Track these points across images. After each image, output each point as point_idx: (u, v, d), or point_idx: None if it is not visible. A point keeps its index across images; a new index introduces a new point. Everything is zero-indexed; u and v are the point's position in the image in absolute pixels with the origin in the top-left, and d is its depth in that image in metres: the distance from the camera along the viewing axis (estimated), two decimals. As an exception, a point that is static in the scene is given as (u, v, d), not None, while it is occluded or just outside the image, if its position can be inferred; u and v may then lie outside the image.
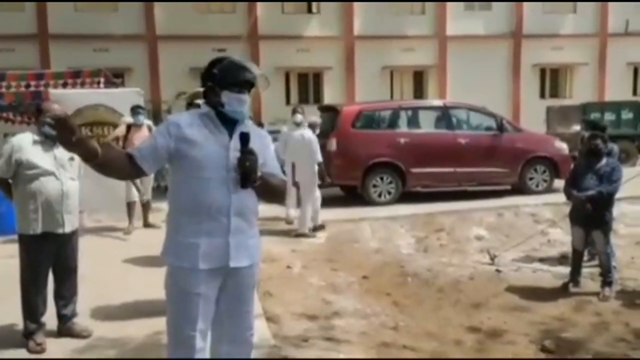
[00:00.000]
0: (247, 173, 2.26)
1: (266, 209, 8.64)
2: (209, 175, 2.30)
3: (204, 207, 2.30)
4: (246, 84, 2.39)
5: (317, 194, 7.70)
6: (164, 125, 2.39)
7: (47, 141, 3.70)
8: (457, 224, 8.07)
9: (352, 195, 9.84)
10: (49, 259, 3.78)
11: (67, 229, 3.74)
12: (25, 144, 3.68)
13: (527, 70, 21.37)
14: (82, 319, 4.02)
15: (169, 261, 2.38)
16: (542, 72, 21.75)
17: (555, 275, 6.01)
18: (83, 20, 17.05)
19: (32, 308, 3.73)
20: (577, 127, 13.86)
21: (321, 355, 3.76)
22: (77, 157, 3.81)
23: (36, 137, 3.72)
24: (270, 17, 19.05)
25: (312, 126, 7.95)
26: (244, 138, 2.28)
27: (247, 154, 2.26)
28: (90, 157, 2.17)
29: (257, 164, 2.29)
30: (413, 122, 10.13)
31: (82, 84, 9.44)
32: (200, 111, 2.45)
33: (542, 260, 6.62)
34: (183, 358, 2.34)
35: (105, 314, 4.32)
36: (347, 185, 9.86)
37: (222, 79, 2.36)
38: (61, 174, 3.70)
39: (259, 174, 2.29)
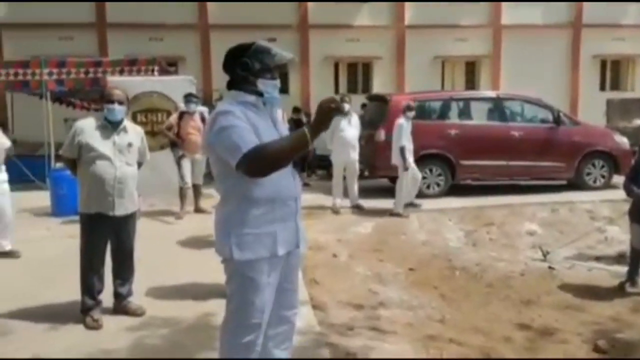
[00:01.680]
0: (305, 156, 2.34)
1: (313, 198, 8.72)
2: None
3: (278, 195, 2.34)
4: (277, 69, 2.41)
5: (411, 175, 8.05)
6: (236, 116, 2.26)
7: (108, 126, 3.85)
8: (508, 219, 7.88)
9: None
10: (104, 239, 3.94)
11: (119, 212, 3.87)
12: (88, 128, 3.86)
13: (587, 61, 20.48)
14: (136, 298, 4.18)
15: (240, 256, 2.31)
16: (603, 63, 20.80)
17: (611, 274, 5.78)
18: (139, 9, 17.46)
19: (88, 285, 3.91)
20: (639, 121, 13.24)
21: (367, 344, 3.76)
22: (136, 144, 3.97)
23: (98, 122, 3.88)
24: (320, 6, 18.96)
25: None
26: (298, 123, 2.32)
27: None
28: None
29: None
30: (464, 113, 9.92)
31: (138, 72, 9.74)
32: (242, 99, 2.37)
33: (598, 258, 6.38)
34: (248, 346, 2.38)
35: (158, 294, 4.47)
36: (395, 176, 9.78)
37: (255, 67, 2.35)
38: (117, 159, 3.84)
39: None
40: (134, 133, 4.03)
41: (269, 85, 2.38)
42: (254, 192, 2.30)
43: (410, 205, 8.26)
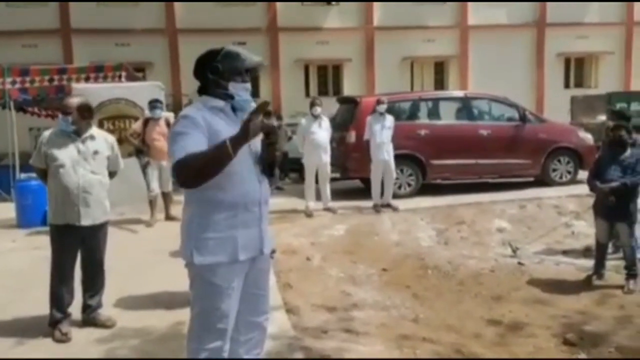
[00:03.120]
0: (273, 161, 2.34)
1: (286, 202, 8.71)
2: (240, 168, 2.30)
3: (240, 200, 2.33)
4: (247, 72, 2.41)
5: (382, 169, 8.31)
6: (192, 120, 2.26)
7: (71, 135, 3.78)
8: (478, 217, 8.01)
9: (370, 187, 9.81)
10: (73, 250, 3.87)
11: (86, 222, 3.80)
12: (53, 137, 3.82)
13: (551, 59, 20.95)
14: (105, 310, 4.10)
15: (203, 260, 2.30)
16: (567, 61, 21.32)
17: (578, 268, 5.93)
18: (105, 14, 17.22)
19: (58, 297, 3.82)
20: (602, 117, 13.58)
21: (341, 346, 3.78)
22: (104, 152, 3.90)
23: (59, 131, 3.82)
24: (289, 9, 18.99)
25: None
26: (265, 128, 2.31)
27: (273, 143, 2.31)
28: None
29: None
30: (433, 113, 10.03)
31: (105, 78, 9.58)
32: (211, 104, 2.37)
33: (565, 252, 6.54)
34: (215, 351, 2.36)
35: (128, 304, 4.40)
36: (366, 177, 9.83)
37: (226, 71, 2.36)
38: (80, 167, 3.77)
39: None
40: (102, 141, 3.95)
41: (240, 89, 2.38)
42: (216, 197, 2.29)
43: (387, 206, 8.32)
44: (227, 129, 2.32)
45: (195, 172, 2.18)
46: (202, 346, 2.37)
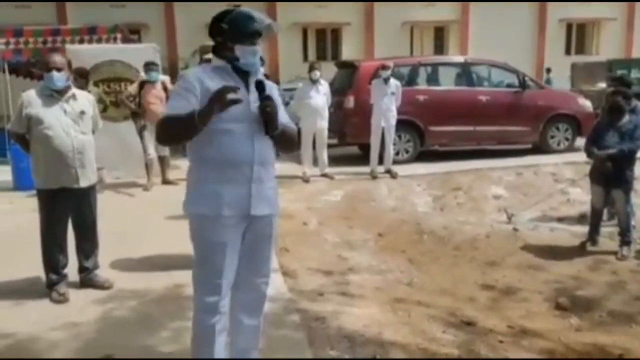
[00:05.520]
0: (269, 119, 2.32)
1: (283, 167, 8.68)
2: (233, 127, 2.32)
3: (229, 158, 2.34)
4: (257, 35, 2.38)
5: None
6: (185, 81, 2.35)
7: (55, 95, 3.70)
8: (475, 183, 8.02)
9: (369, 153, 9.78)
10: (66, 213, 3.86)
11: (83, 183, 3.79)
12: (34, 98, 3.71)
13: (553, 25, 20.70)
14: (103, 271, 4.13)
15: (192, 210, 2.41)
16: (569, 27, 21.06)
17: (573, 234, 5.98)
18: (99, -26, 16.85)
19: (52, 260, 3.84)
20: (602, 85, 13.49)
21: (336, 309, 3.83)
22: (89, 112, 3.84)
23: (44, 92, 3.72)
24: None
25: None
26: (261, 86, 2.33)
27: (267, 100, 2.31)
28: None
29: (277, 109, 2.36)
30: (432, 78, 9.93)
31: (99, 40, 9.40)
32: (214, 65, 2.43)
33: (560, 219, 6.57)
34: (211, 306, 2.41)
35: (126, 267, 4.43)
36: (364, 143, 9.79)
37: (233, 33, 2.34)
38: (71, 128, 3.71)
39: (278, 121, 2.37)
40: (85, 100, 3.88)
41: (247, 52, 2.35)
42: (206, 153, 2.36)
43: (388, 172, 8.31)
44: None
45: (167, 134, 2.39)
46: (202, 299, 2.43)
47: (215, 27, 2.39)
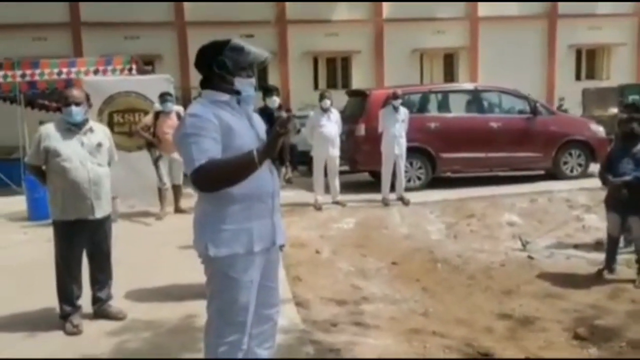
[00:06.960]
0: (283, 152, 2.32)
1: (295, 195, 8.70)
2: None
3: (256, 192, 2.33)
4: (253, 67, 2.39)
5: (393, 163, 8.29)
6: (204, 120, 2.23)
7: (73, 128, 3.76)
8: (488, 210, 7.96)
9: (380, 180, 9.77)
10: (82, 244, 3.87)
11: (98, 215, 3.82)
12: (52, 132, 3.76)
13: (563, 51, 20.72)
14: (116, 302, 4.12)
15: (222, 252, 2.30)
16: (578, 53, 21.07)
17: (589, 262, 5.88)
18: (114, 7, 17.22)
19: (67, 291, 3.84)
20: (614, 110, 13.45)
21: (350, 340, 3.77)
22: (105, 144, 3.90)
23: (62, 126, 3.78)
24: (298, 1, 18.90)
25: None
26: (270, 119, 2.34)
27: (283, 135, 2.16)
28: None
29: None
30: (443, 106, 9.97)
31: (114, 72, 9.59)
32: (217, 99, 2.34)
33: (576, 246, 6.48)
34: (236, 344, 2.37)
35: (139, 297, 4.42)
36: (376, 170, 9.80)
37: (232, 66, 2.32)
38: (88, 160, 3.75)
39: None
40: (101, 133, 3.94)
41: (245, 84, 2.36)
42: (231, 189, 2.26)
43: (400, 199, 8.30)
44: (237, 122, 2.34)
45: (219, 179, 2.20)
46: (222, 340, 2.38)
47: (210, 59, 2.33)
